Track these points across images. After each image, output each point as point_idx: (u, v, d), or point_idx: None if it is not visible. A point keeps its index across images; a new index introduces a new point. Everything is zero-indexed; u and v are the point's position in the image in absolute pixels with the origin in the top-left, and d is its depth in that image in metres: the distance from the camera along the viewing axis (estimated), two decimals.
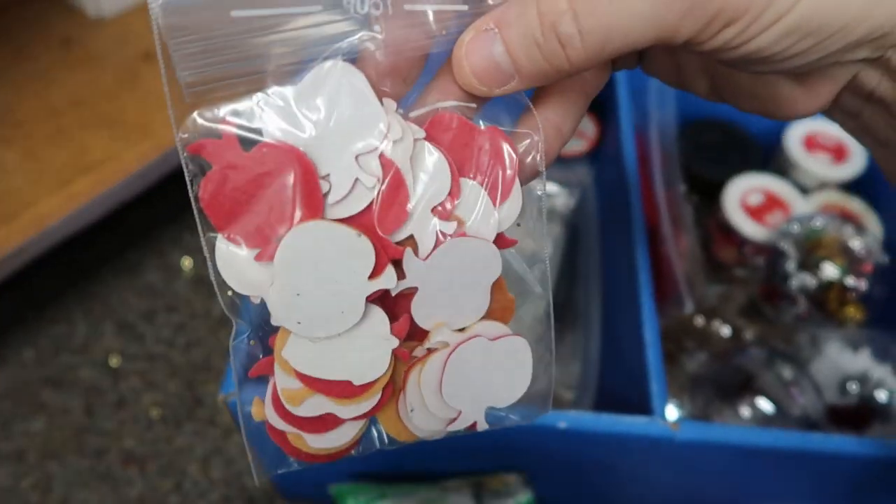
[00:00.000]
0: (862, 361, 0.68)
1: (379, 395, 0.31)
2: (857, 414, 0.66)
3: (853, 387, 0.66)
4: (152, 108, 0.89)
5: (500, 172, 0.31)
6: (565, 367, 0.73)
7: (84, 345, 0.89)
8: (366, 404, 0.31)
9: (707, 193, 0.80)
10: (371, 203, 0.29)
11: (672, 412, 0.69)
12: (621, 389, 0.63)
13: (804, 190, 0.79)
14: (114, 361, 0.88)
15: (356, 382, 0.30)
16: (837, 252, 0.67)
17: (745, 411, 0.65)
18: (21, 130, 0.87)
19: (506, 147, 0.31)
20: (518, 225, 0.32)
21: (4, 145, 0.85)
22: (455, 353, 0.31)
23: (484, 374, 0.32)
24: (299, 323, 0.29)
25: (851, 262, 0.67)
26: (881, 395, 0.66)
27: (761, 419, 0.65)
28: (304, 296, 0.28)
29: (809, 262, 0.68)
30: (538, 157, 0.32)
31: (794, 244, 0.69)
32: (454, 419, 0.33)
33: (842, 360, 0.68)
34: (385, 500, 0.62)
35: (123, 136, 0.87)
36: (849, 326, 0.68)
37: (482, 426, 0.33)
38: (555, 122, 0.33)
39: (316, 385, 0.30)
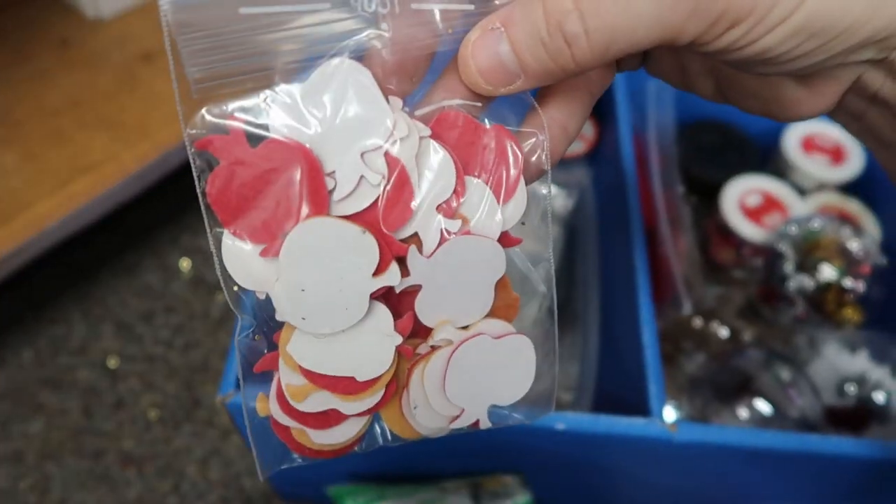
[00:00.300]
0: (860, 363, 0.68)
1: (382, 392, 0.31)
2: (854, 415, 0.66)
3: (851, 388, 0.67)
4: (151, 109, 0.89)
5: (505, 171, 0.31)
6: (563, 369, 0.73)
7: (82, 346, 0.89)
8: (369, 401, 0.31)
9: (705, 195, 0.80)
10: (376, 200, 0.29)
11: (670, 413, 0.69)
12: (619, 391, 0.63)
13: (802, 191, 0.79)
14: (112, 362, 0.88)
15: (360, 379, 0.31)
16: (835, 253, 0.68)
17: (743, 412, 0.65)
18: (19, 131, 0.87)
19: (511, 146, 0.31)
20: (522, 224, 0.32)
21: (3, 146, 0.85)
22: (458, 350, 0.32)
23: (487, 372, 0.32)
24: (304, 319, 0.29)
25: (849, 263, 0.67)
26: (879, 397, 0.66)
27: (759, 420, 0.65)
28: (308, 292, 0.29)
29: (807, 264, 0.68)
30: (543, 157, 0.32)
31: (792, 245, 0.69)
32: (457, 417, 0.33)
33: (840, 362, 0.68)
34: (383, 501, 0.62)
35: (122, 136, 0.87)
36: (847, 328, 0.68)
37: (485, 424, 0.34)
38: (560, 121, 0.33)
39: (320, 381, 0.30)
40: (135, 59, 0.94)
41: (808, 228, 0.70)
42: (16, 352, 0.88)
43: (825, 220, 0.70)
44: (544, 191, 0.33)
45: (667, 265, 0.68)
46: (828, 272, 0.67)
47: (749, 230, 0.74)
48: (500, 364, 0.33)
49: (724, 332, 0.74)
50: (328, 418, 0.32)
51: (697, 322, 0.75)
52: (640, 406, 0.54)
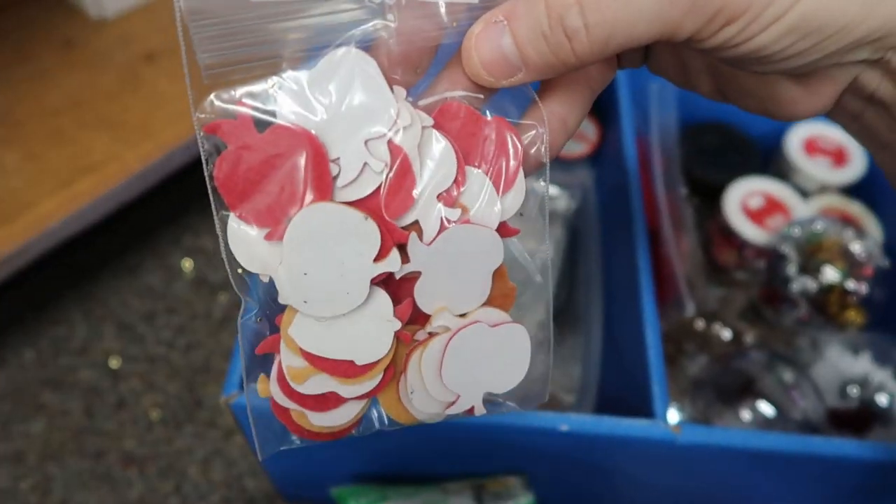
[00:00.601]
0: (862, 365, 0.68)
1: (381, 376, 0.32)
2: (857, 417, 0.66)
3: (854, 390, 0.66)
4: (154, 109, 0.89)
5: (505, 162, 0.32)
6: (566, 370, 0.73)
7: (84, 346, 0.89)
8: (367, 384, 0.32)
9: (707, 196, 0.80)
10: (379, 187, 0.30)
11: (673, 415, 0.69)
12: (622, 392, 0.63)
13: (804, 193, 0.79)
14: (114, 363, 0.88)
15: (358, 363, 0.31)
16: (838, 255, 0.68)
17: (745, 414, 0.65)
18: (21, 131, 0.87)
19: (511, 137, 0.32)
20: (521, 215, 0.33)
21: (5, 146, 0.85)
22: (455, 337, 0.32)
23: (483, 360, 0.33)
24: (305, 302, 0.30)
25: (852, 265, 0.67)
26: (882, 399, 0.66)
27: (762, 422, 0.65)
28: (311, 275, 0.30)
29: (810, 266, 0.68)
30: (542, 149, 0.33)
31: (794, 247, 0.69)
32: (453, 403, 0.34)
33: (842, 364, 0.68)
34: (386, 502, 0.62)
35: (124, 136, 0.87)
36: (849, 330, 0.68)
37: (480, 411, 0.34)
38: (560, 114, 0.33)
39: (320, 363, 0.31)
40: (138, 59, 0.94)
41: (811, 230, 0.70)
42: (17, 352, 0.88)
43: (827, 222, 0.70)
44: (543, 182, 0.33)
45: (669, 267, 0.68)
46: (830, 274, 0.67)
47: (751, 232, 0.74)
48: (496, 352, 0.33)
49: (726, 333, 0.74)
50: (327, 401, 0.32)
51: (700, 324, 0.74)
52: (643, 408, 0.54)
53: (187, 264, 0.96)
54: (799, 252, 0.69)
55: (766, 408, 0.65)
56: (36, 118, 0.88)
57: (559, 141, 0.34)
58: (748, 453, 0.52)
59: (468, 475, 0.63)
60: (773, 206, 0.76)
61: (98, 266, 0.95)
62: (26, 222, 0.79)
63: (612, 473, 0.59)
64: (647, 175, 0.73)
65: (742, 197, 0.76)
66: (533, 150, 0.32)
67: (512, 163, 0.32)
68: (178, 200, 0.99)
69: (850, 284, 0.67)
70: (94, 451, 0.81)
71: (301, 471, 0.65)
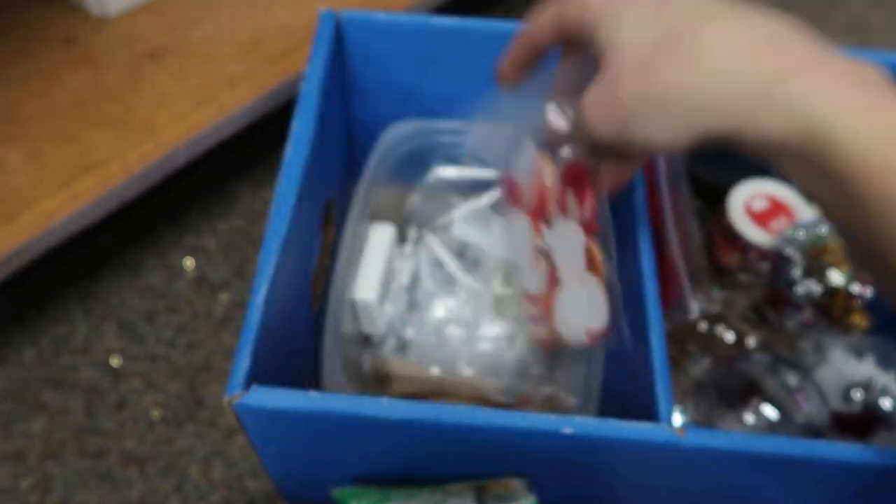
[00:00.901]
0: (866, 369, 0.68)
1: (543, 304, 0.58)
2: (861, 421, 0.66)
3: (857, 394, 0.66)
4: (156, 109, 0.89)
5: (584, 186, 0.54)
6: (569, 371, 0.73)
7: (85, 345, 0.89)
8: (538, 308, 0.59)
9: (711, 198, 0.80)
10: (534, 201, 0.56)
11: (675, 418, 0.68)
12: (626, 394, 0.63)
13: None
14: (114, 362, 0.88)
15: (530, 296, 0.60)
16: (843, 259, 0.67)
17: (748, 417, 0.65)
18: (23, 130, 0.87)
19: (588, 173, 0.53)
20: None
21: (6, 144, 0.85)
22: (570, 288, 0.56)
23: (584, 303, 0.56)
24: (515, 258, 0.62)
25: (856, 268, 0.67)
26: (885, 403, 0.66)
27: (765, 425, 0.65)
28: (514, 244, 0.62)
29: (814, 269, 0.68)
30: (604, 184, 0.57)
31: (799, 250, 0.69)
32: (574, 331, 0.57)
33: (846, 367, 0.68)
34: (387, 503, 0.62)
35: (126, 136, 0.86)
36: (853, 333, 0.68)
37: (584, 340, 0.57)
38: (614, 169, 0.57)
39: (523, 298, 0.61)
40: (140, 58, 0.94)
41: (816, 233, 0.69)
42: (18, 351, 0.88)
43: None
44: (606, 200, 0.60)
45: (673, 268, 0.68)
46: (835, 277, 0.67)
47: (755, 234, 0.74)
48: (591, 300, 0.55)
49: (729, 336, 0.74)
50: (538, 320, 0.60)
51: (702, 326, 0.74)
52: (647, 410, 0.54)
53: (188, 263, 0.96)
54: (803, 255, 0.69)
55: (769, 411, 0.65)
56: (38, 117, 0.87)
57: (620, 180, 0.58)
58: (752, 456, 0.52)
59: (469, 477, 0.62)
60: (777, 209, 0.76)
61: (99, 265, 0.95)
62: (27, 221, 0.79)
63: (615, 476, 0.59)
64: (651, 176, 0.73)
65: (746, 199, 0.76)
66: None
67: (587, 188, 0.54)
68: (180, 200, 0.99)
69: (855, 288, 0.67)
70: (94, 451, 0.81)
71: (302, 471, 0.65)
